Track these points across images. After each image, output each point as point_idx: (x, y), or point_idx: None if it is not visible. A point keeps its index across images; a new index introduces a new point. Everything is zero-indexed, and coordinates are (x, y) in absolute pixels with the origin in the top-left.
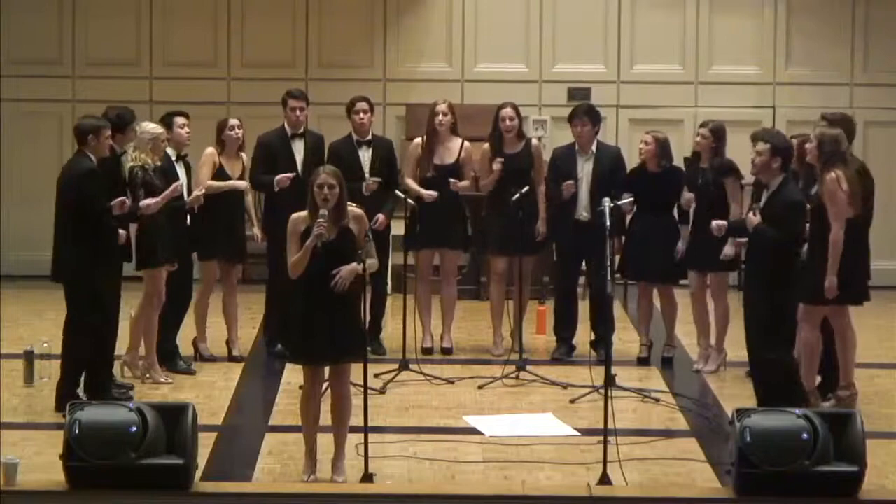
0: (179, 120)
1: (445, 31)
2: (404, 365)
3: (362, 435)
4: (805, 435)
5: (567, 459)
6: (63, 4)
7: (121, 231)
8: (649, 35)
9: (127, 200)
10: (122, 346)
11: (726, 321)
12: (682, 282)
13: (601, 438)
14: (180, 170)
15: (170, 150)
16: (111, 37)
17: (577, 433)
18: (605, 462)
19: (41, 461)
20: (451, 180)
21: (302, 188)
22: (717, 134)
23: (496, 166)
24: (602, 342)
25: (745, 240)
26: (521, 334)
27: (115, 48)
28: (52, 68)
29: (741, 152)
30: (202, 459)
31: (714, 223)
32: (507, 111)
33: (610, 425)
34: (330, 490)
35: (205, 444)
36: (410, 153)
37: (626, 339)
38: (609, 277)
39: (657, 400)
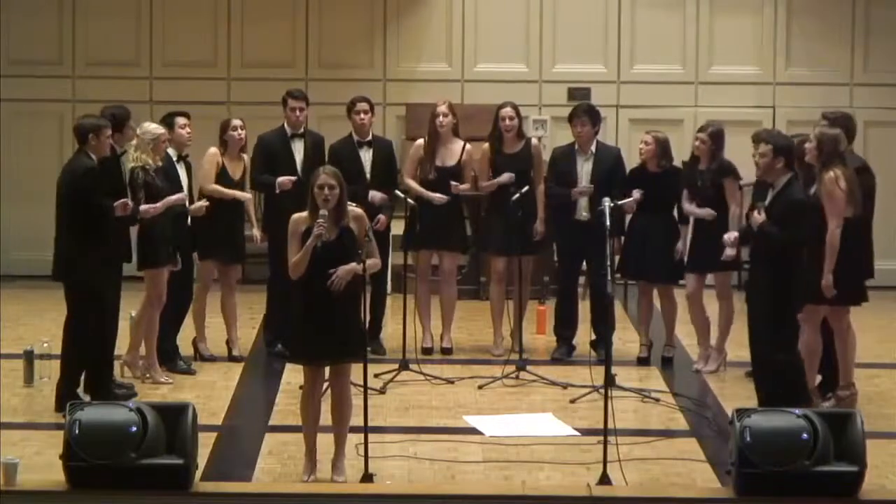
0: (181, 120)
1: (445, 31)
2: (404, 365)
3: (362, 435)
4: (805, 435)
5: (567, 459)
6: (63, 4)
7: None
8: (649, 35)
9: (129, 203)
10: (122, 346)
11: (730, 322)
12: (682, 282)
13: (601, 438)
14: (181, 170)
15: (171, 151)
16: (111, 37)
17: (577, 433)
18: (605, 462)
19: (41, 461)
20: (453, 183)
21: (302, 189)
22: (716, 138)
23: (503, 179)
24: (602, 342)
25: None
26: (521, 334)
27: (115, 48)
28: (52, 68)
29: (741, 152)
30: (202, 459)
31: (726, 236)
32: (507, 111)
33: (610, 425)
34: (330, 490)
35: (205, 444)
36: (412, 154)
37: (626, 339)
38: (609, 277)
39: (657, 400)
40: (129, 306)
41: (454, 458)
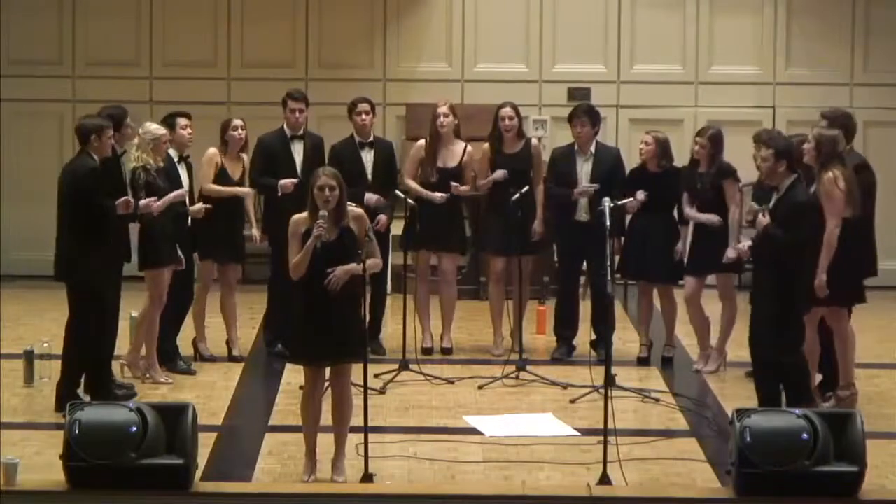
0: (182, 121)
1: (445, 31)
2: (404, 365)
3: (362, 435)
4: (805, 435)
5: (567, 459)
6: (63, 4)
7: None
8: (649, 35)
9: (131, 200)
10: (122, 346)
11: (732, 323)
12: (682, 282)
13: (601, 438)
14: (182, 171)
15: (172, 151)
16: (111, 37)
17: (577, 433)
18: (605, 462)
19: (41, 461)
20: (453, 184)
21: (302, 190)
22: (715, 141)
23: (498, 175)
24: (602, 342)
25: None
26: (521, 334)
27: (115, 48)
28: (52, 68)
29: (742, 153)
30: (202, 459)
31: (738, 247)
32: (507, 111)
33: (610, 425)
34: (330, 490)
35: (205, 444)
36: (413, 154)
37: (626, 339)
38: (609, 277)
39: (657, 400)
40: (130, 307)
41: (454, 458)
